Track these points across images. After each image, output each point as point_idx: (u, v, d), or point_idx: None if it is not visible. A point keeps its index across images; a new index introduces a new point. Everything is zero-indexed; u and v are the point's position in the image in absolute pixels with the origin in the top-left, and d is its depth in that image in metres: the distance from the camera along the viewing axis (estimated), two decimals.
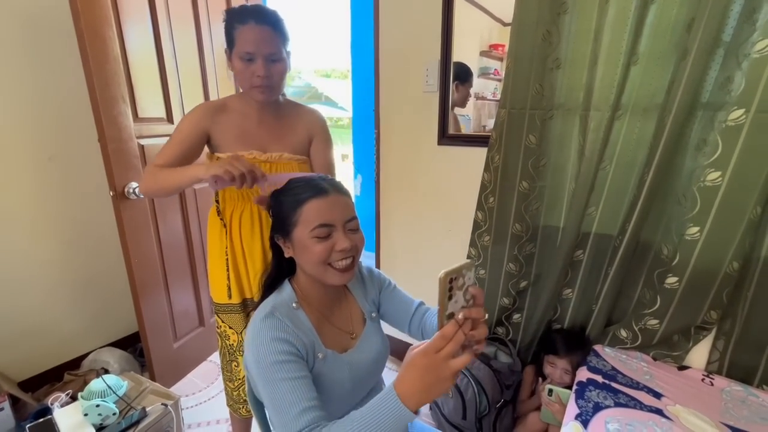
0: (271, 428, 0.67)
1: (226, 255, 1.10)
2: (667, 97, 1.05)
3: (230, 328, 1.16)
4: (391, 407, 0.53)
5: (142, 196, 1.49)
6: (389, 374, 1.73)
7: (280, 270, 0.78)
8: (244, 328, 1.14)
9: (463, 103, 1.55)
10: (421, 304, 0.86)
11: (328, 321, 0.77)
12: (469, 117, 1.59)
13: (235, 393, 1.24)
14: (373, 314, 0.84)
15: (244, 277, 1.13)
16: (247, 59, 0.96)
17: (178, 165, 1.00)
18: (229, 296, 1.12)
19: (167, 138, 1.04)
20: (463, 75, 1.50)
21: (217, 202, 1.10)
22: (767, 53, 0.90)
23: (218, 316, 1.16)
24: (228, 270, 1.10)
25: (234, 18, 0.96)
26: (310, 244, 0.68)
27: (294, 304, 0.72)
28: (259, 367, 0.63)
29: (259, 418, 0.81)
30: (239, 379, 1.21)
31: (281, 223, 0.72)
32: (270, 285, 0.77)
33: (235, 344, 1.17)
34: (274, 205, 0.74)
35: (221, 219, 1.09)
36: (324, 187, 0.70)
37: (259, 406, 0.80)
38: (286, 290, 0.75)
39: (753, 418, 1.01)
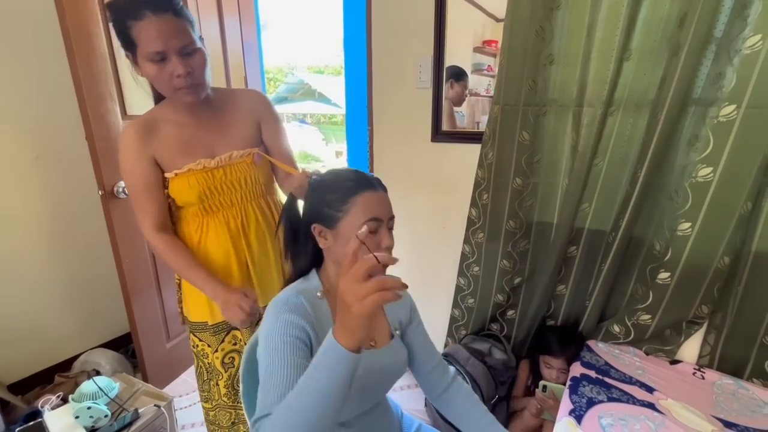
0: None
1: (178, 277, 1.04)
2: (659, 93, 1.05)
3: (208, 346, 1.09)
4: (329, 348, 0.50)
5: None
6: (399, 394, 1.71)
7: (314, 260, 0.76)
8: (220, 344, 1.07)
9: (459, 102, 1.54)
10: (443, 358, 0.86)
11: None
12: (462, 113, 1.59)
13: (212, 413, 1.16)
14: (398, 332, 0.81)
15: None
16: (158, 60, 0.81)
17: (164, 205, 0.95)
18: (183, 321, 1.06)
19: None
20: (458, 74, 1.50)
21: (173, 223, 1.00)
22: (758, 49, 0.91)
23: (194, 335, 1.09)
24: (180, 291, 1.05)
25: (124, 14, 0.79)
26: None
27: (319, 294, 0.71)
28: (268, 336, 0.63)
29: (246, 401, 0.79)
30: (216, 399, 1.14)
31: (326, 212, 0.68)
32: (300, 274, 0.75)
33: (213, 364, 1.10)
34: (317, 192, 0.71)
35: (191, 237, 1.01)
36: (373, 182, 0.70)
37: (249, 387, 0.78)
38: (313, 280, 0.73)
39: (743, 411, 1.02)
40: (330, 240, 0.69)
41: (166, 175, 0.93)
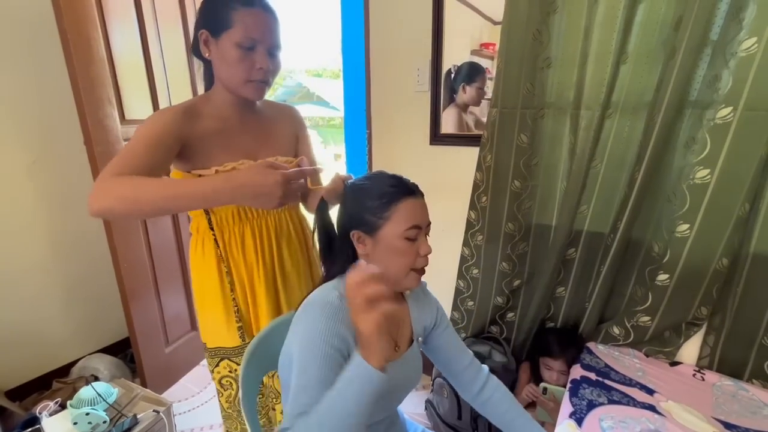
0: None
1: (232, 293, 0.96)
2: (656, 96, 1.06)
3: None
4: (358, 370, 0.54)
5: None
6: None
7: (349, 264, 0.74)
8: (215, 368, 1.02)
9: (477, 102, 1.52)
10: (474, 358, 0.85)
11: None
12: (472, 114, 1.57)
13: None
14: (420, 338, 0.81)
15: (262, 309, 0.99)
16: (247, 47, 0.82)
17: (144, 173, 0.75)
18: (243, 339, 0.99)
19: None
20: (469, 75, 1.47)
21: (212, 230, 0.92)
22: (754, 51, 0.91)
23: (230, 360, 1.01)
24: (237, 307, 0.97)
25: None
26: (402, 245, 0.66)
27: None
28: (310, 340, 0.61)
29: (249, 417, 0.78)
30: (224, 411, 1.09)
31: (367, 218, 0.67)
32: (332, 278, 0.72)
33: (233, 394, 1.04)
34: (356, 197, 0.69)
35: (218, 248, 0.93)
36: (413, 188, 0.70)
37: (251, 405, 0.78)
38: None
39: (743, 413, 1.02)
40: (369, 247, 0.68)
41: (198, 171, 0.86)
